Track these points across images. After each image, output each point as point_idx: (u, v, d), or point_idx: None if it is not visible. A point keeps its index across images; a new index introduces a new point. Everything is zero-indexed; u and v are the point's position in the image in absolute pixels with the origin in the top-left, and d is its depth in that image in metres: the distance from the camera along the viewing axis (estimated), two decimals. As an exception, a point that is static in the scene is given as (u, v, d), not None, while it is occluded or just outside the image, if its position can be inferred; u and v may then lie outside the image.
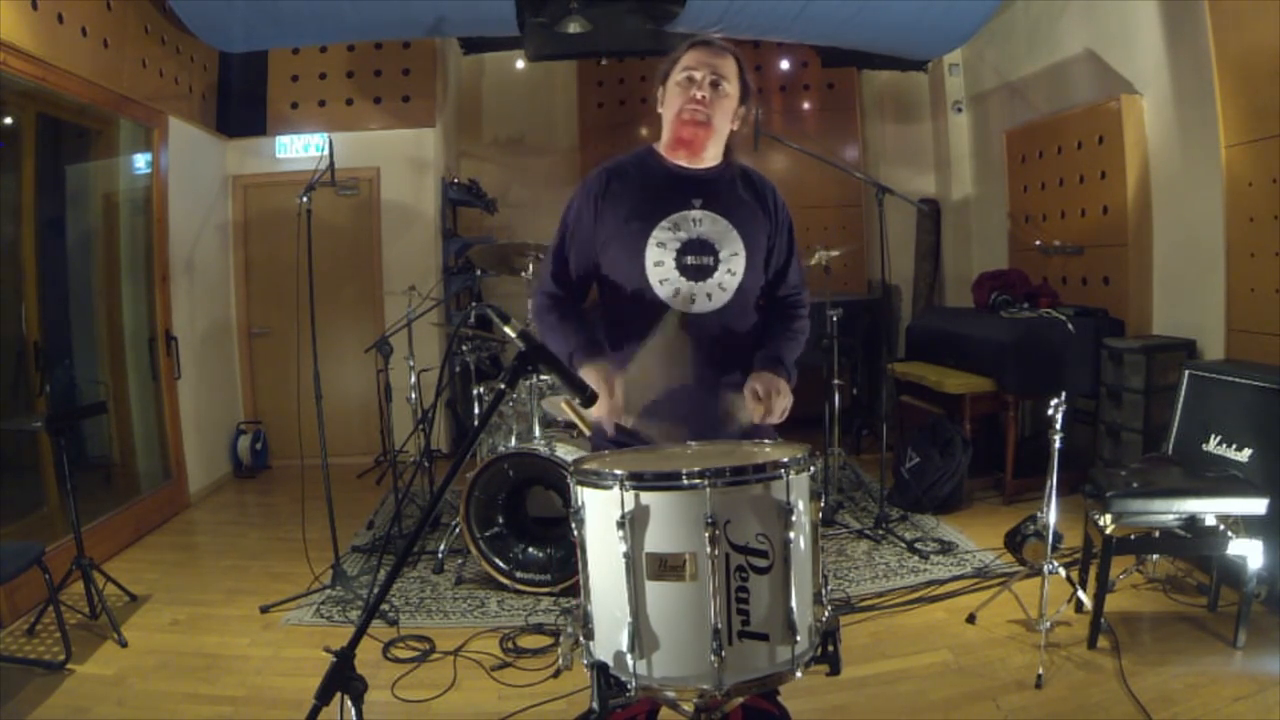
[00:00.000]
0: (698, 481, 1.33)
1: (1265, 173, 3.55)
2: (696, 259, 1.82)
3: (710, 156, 1.91)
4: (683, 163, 1.89)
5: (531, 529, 3.65)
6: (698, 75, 1.83)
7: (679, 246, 1.82)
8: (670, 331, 1.81)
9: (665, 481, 1.35)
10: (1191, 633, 2.94)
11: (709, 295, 1.82)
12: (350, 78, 5.91)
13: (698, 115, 1.82)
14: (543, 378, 3.65)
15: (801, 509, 1.39)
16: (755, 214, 1.90)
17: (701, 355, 1.80)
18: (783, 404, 1.78)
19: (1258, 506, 2.75)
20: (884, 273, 4.40)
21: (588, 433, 1.90)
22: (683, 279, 1.81)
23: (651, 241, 1.82)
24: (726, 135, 1.91)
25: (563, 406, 3.65)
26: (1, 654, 3.00)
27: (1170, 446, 3.50)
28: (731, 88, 1.86)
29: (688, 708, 1.40)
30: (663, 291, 1.81)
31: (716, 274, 1.82)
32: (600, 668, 1.39)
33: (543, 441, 3.55)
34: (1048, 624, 2.87)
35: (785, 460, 1.39)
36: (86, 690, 2.77)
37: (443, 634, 3.12)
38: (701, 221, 1.84)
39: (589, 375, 1.70)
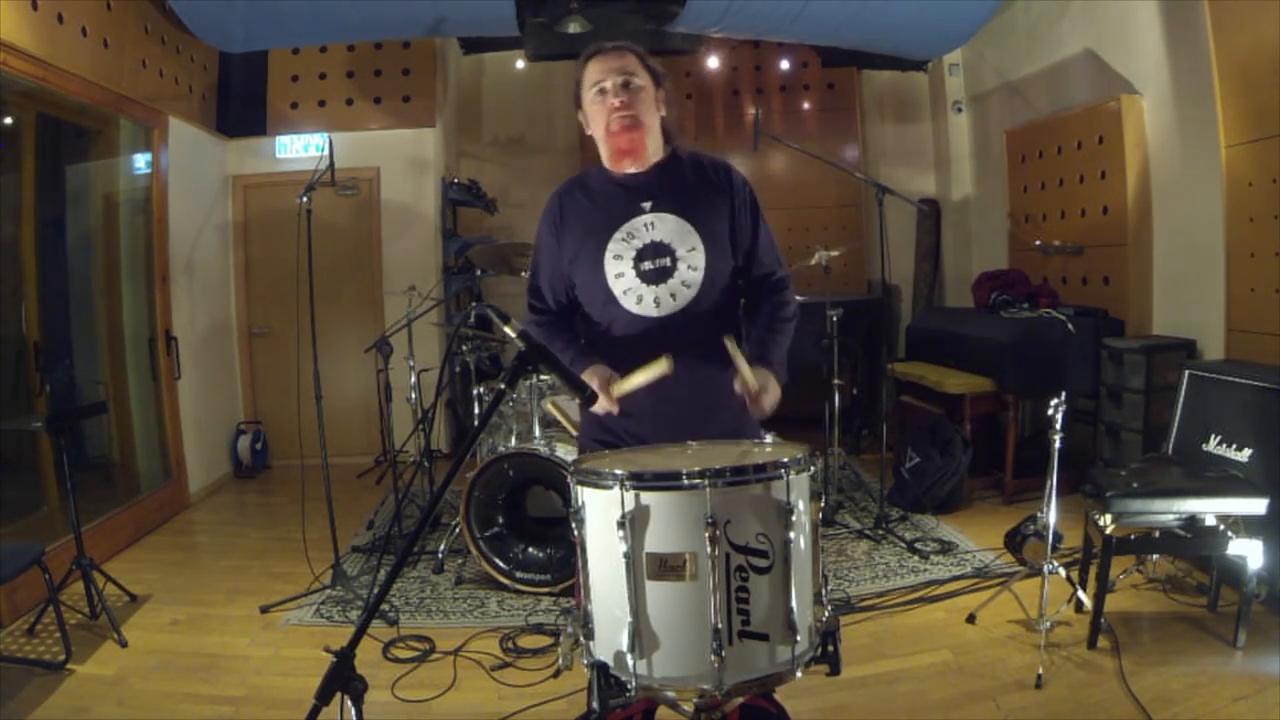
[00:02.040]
0: (698, 481, 1.33)
1: (1265, 173, 3.55)
2: (654, 262, 1.83)
3: (652, 152, 1.90)
4: (630, 169, 1.89)
5: (531, 529, 3.65)
6: (607, 84, 1.83)
7: (635, 254, 1.83)
8: (641, 337, 1.82)
9: (665, 481, 1.35)
10: (1191, 633, 2.94)
11: (673, 295, 1.82)
12: (350, 78, 5.91)
13: (625, 120, 1.82)
14: (543, 378, 3.65)
15: (801, 509, 1.39)
16: (709, 200, 1.89)
17: (680, 354, 1.80)
18: (771, 401, 1.78)
19: (1258, 506, 2.75)
20: (884, 273, 4.40)
21: (574, 432, 1.92)
22: (644, 285, 1.82)
23: (608, 254, 1.84)
24: (659, 126, 1.90)
25: (548, 406, 3.67)
26: (1, 654, 3.00)
27: (1170, 446, 3.50)
28: (642, 79, 1.86)
29: (688, 708, 1.40)
30: (628, 301, 1.83)
31: (677, 273, 1.83)
32: (600, 668, 1.39)
33: (543, 441, 3.55)
34: (1048, 624, 2.87)
35: (785, 460, 1.39)
36: (86, 690, 2.77)
37: (443, 634, 3.12)
38: (654, 225, 1.84)
39: (587, 379, 1.75)
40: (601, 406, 1.76)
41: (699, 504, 1.32)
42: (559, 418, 3.52)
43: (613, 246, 1.84)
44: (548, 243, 1.95)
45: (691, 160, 1.94)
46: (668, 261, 1.82)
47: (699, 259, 1.83)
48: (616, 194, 1.89)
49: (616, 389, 1.75)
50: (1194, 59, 3.94)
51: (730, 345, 1.72)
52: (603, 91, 1.84)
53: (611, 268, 1.84)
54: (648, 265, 1.82)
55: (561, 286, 1.95)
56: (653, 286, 1.82)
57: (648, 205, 1.85)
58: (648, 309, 1.82)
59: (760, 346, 1.88)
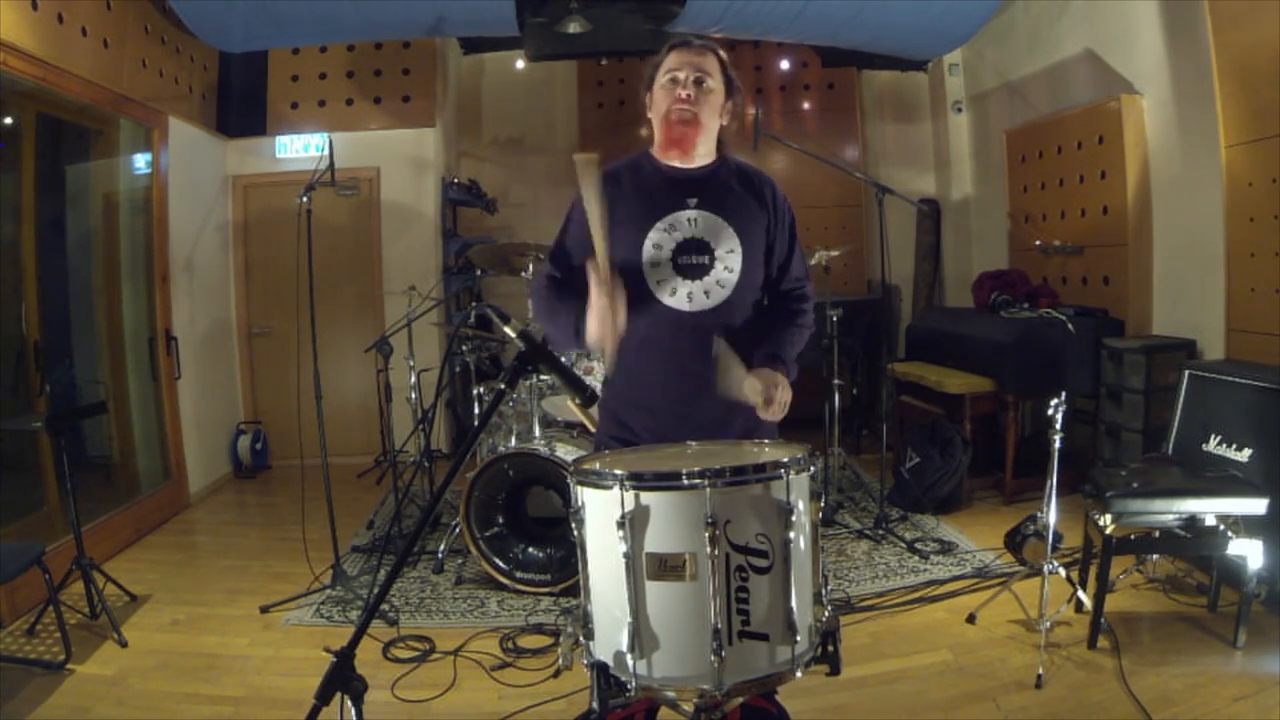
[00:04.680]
0: (698, 481, 1.33)
1: (1265, 173, 3.55)
2: (692, 258, 1.84)
3: (702, 154, 1.92)
4: (676, 163, 1.91)
5: (531, 529, 3.65)
6: (681, 75, 1.86)
7: (675, 246, 1.84)
8: (670, 330, 1.82)
9: (665, 481, 1.35)
10: (1191, 633, 2.94)
11: (706, 293, 1.84)
12: (350, 78, 5.91)
13: (685, 114, 1.85)
14: (543, 378, 3.65)
15: (801, 509, 1.39)
16: (751, 209, 1.92)
17: (701, 353, 1.81)
18: (783, 398, 1.79)
19: (1258, 506, 2.75)
20: (884, 273, 4.40)
21: (592, 429, 1.91)
22: (680, 278, 1.84)
23: (648, 243, 1.85)
24: (716, 131, 1.93)
25: (570, 405, 3.68)
26: (1, 654, 3.00)
27: (1170, 446, 3.50)
28: (715, 84, 1.88)
29: (688, 708, 1.40)
30: (661, 292, 1.84)
31: (713, 271, 1.84)
32: (600, 668, 1.39)
33: (543, 441, 3.55)
34: (1048, 624, 2.87)
35: (785, 460, 1.39)
36: (86, 690, 2.77)
37: (443, 634, 3.12)
38: (696, 221, 1.86)
39: (593, 316, 1.72)
40: (615, 323, 1.70)
41: (699, 504, 1.32)
42: (581, 417, 3.52)
43: (653, 235, 1.85)
44: (584, 218, 1.89)
45: (739, 169, 1.97)
46: (706, 259, 1.84)
47: (736, 261, 1.86)
48: (664, 185, 1.90)
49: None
50: (1194, 59, 3.94)
51: (723, 350, 1.72)
52: (675, 81, 1.86)
53: (649, 255, 1.85)
54: (686, 260, 1.84)
55: (585, 256, 1.91)
56: (688, 281, 1.84)
57: (693, 202, 1.87)
58: (680, 302, 1.83)
59: (774, 344, 1.89)
